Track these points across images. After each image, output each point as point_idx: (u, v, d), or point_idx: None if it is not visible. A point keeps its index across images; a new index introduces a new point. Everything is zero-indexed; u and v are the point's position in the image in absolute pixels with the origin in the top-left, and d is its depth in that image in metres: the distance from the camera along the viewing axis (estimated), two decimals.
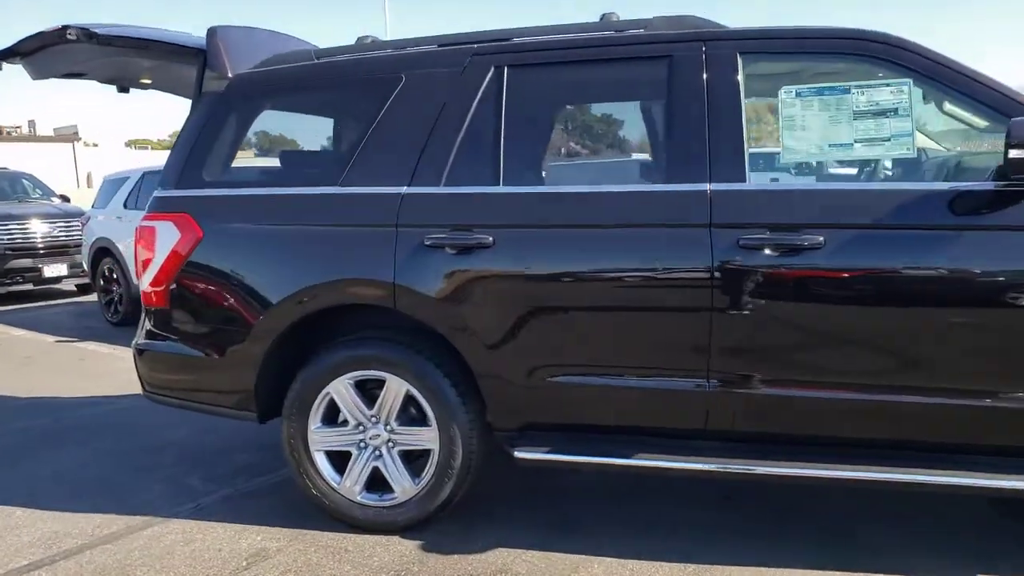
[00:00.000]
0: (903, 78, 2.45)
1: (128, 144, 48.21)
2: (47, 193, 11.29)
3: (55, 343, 7.21)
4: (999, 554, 2.63)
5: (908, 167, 3.04)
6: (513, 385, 2.69)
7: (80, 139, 38.95)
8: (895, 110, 2.47)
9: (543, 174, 3.15)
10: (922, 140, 2.91)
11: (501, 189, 2.71)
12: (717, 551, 2.71)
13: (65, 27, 2.97)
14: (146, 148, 47.62)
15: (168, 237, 2.99)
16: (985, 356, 2.35)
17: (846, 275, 2.39)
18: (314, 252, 2.83)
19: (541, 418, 2.75)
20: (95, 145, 40.12)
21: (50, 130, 41.57)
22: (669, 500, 3.15)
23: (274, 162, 3.48)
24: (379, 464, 2.89)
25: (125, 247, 7.64)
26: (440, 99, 2.80)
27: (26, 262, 9.56)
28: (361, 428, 2.89)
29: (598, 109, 3.46)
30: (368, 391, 2.89)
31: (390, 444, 2.88)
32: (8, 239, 9.47)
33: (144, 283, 3.07)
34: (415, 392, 2.80)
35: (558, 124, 3.52)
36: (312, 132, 3.88)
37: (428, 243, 2.68)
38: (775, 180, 2.86)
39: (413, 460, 2.91)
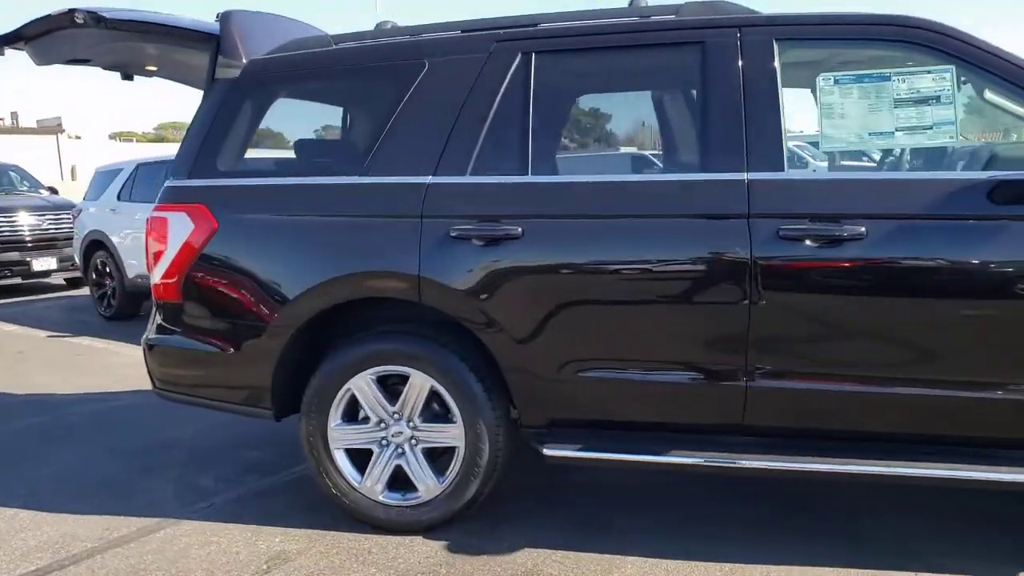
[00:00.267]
0: (945, 65, 2.40)
1: (112, 136, 47.52)
2: (35, 185, 11.06)
3: (47, 338, 7.03)
4: None
5: (935, 156, 2.99)
6: (542, 380, 2.62)
7: (64, 131, 38.37)
8: (937, 98, 2.41)
9: (572, 164, 3.07)
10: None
11: (530, 179, 2.63)
12: (754, 550, 2.65)
13: (72, 10, 2.85)
14: (131, 140, 47.09)
15: (181, 228, 2.88)
16: None
17: (888, 266, 2.33)
18: (335, 244, 2.73)
19: (570, 414, 2.67)
20: (78, 137, 39.46)
21: (33, 122, 40.95)
22: (702, 497, 3.08)
23: (274, 153, 3.38)
24: (401, 462, 2.81)
25: (119, 240, 7.49)
26: (465, 86, 2.71)
27: (14, 255, 9.34)
28: (383, 425, 2.81)
29: (629, 97, 3.38)
30: (390, 387, 2.81)
31: (413, 441, 2.80)
32: None
33: (155, 276, 2.97)
34: (439, 388, 2.72)
35: (587, 112, 3.44)
36: (309, 122, 3.78)
37: (454, 234, 2.60)
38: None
39: (436, 458, 2.83)
